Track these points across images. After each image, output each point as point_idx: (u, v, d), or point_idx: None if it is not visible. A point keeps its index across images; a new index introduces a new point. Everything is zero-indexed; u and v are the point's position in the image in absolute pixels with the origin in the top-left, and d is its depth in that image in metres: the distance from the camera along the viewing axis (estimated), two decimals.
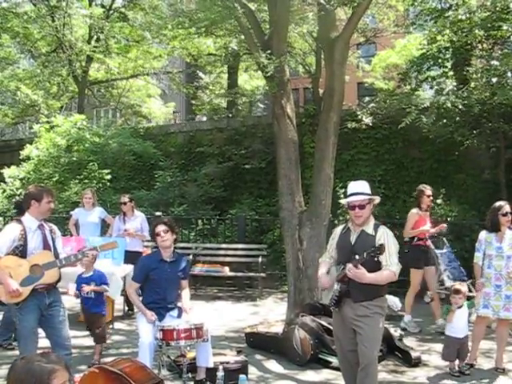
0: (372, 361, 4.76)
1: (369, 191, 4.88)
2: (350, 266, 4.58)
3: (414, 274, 8.28)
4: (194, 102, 22.70)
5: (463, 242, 10.60)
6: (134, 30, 19.84)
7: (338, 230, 5.12)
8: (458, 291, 6.40)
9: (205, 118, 19.95)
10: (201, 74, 17.09)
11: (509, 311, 6.38)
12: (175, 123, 21.54)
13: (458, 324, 6.35)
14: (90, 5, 21.55)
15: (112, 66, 22.07)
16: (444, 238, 9.40)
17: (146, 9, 18.84)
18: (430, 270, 8.42)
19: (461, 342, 6.36)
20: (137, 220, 9.27)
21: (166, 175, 14.79)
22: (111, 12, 21.74)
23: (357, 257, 4.57)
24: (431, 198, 8.46)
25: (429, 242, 8.47)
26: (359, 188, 4.90)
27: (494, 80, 11.28)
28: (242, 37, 8.94)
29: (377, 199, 4.92)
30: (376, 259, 4.56)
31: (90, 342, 6.87)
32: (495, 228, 6.47)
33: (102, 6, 22.23)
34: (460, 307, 6.36)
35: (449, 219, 11.56)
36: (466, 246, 9.93)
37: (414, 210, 8.30)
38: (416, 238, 8.23)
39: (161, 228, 5.80)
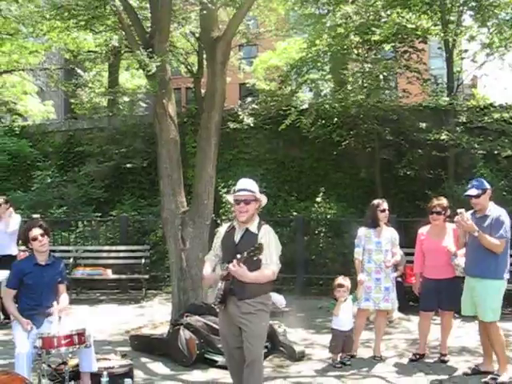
0: (257, 357, 4.81)
1: (256, 190, 4.93)
2: (232, 264, 4.62)
3: None
4: (73, 100, 21.90)
5: (342, 238, 11.02)
6: (8, 22, 18.77)
7: (222, 229, 5.13)
8: (341, 285, 6.62)
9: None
10: (80, 71, 16.50)
11: (388, 302, 6.74)
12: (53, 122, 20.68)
13: (344, 317, 6.58)
14: None
15: None
16: None
17: (19, 1, 17.86)
18: None
19: (346, 334, 6.60)
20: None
21: (44, 176, 14.17)
22: None
23: (238, 256, 4.59)
24: None
25: None
26: (247, 185, 4.92)
27: (368, 82, 11.90)
28: (124, 34, 8.76)
29: (263, 200, 4.96)
30: (255, 258, 4.61)
31: None
32: (374, 224, 6.79)
33: None
34: (345, 301, 6.59)
35: (328, 216, 11.98)
36: (345, 243, 10.31)
37: None
38: None
39: (37, 232, 5.55)
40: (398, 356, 6.97)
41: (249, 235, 4.84)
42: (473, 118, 12.58)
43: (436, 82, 13.65)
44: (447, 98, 12.79)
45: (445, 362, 6.62)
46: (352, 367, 6.52)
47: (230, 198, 5.05)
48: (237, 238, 4.89)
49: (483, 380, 5.92)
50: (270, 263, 4.72)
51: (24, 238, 5.67)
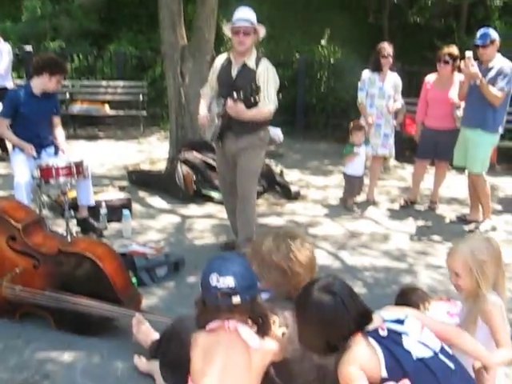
0: (249, 193, 4.85)
1: (255, 20, 4.68)
2: (229, 103, 4.51)
3: None
4: None
5: (344, 82, 10.76)
6: None
7: (218, 62, 4.94)
8: (360, 127, 6.50)
9: None
10: None
11: (385, 148, 6.77)
12: None
13: (360, 162, 6.60)
14: None
15: None
16: None
17: None
18: None
19: (360, 179, 6.72)
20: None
21: (34, 5, 13.50)
22: None
23: (235, 94, 4.46)
24: None
25: None
26: (246, 15, 4.67)
27: None
28: None
29: (262, 31, 4.73)
30: (253, 100, 4.48)
31: None
32: (377, 68, 6.61)
33: None
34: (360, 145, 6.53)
35: (331, 60, 11.65)
36: (346, 88, 10.13)
37: None
38: None
39: (61, 77, 5.42)
40: (390, 201, 7.11)
41: (246, 70, 4.67)
42: None
43: None
44: None
45: (434, 209, 6.78)
46: (344, 209, 6.67)
47: (226, 28, 4.80)
48: (234, 73, 4.73)
49: (467, 228, 6.12)
50: (269, 102, 4.61)
51: (45, 68, 5.28)
